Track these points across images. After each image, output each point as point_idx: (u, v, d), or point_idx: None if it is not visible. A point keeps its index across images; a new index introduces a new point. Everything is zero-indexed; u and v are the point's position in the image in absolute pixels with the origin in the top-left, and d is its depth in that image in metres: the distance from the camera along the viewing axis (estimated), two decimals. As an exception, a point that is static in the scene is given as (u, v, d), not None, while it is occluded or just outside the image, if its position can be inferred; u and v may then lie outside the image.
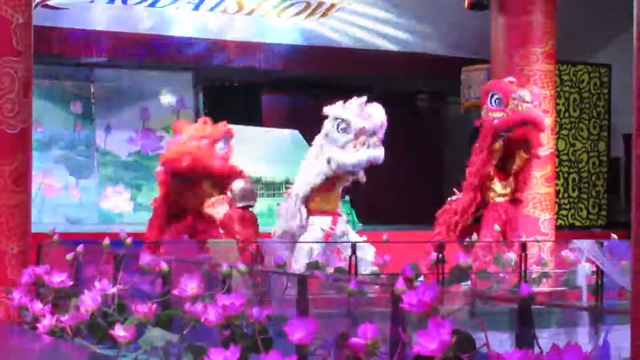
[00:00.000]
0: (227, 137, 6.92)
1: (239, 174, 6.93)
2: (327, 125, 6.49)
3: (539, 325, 2.82)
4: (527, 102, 6.98)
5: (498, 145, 7.06)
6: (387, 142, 6.69)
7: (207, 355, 3.07)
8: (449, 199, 7.39)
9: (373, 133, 6.41)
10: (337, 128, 6.41)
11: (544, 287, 5.98)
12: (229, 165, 6.91)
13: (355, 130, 6.36)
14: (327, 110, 6.51)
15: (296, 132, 12.68)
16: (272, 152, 11.57)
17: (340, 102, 6.53)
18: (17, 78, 5.97)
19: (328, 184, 6.59)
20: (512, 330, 2.83)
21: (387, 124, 6.56)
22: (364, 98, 6.48)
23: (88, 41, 11.62)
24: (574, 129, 11.77)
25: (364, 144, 6.38)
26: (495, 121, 6.98)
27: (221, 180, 6.89)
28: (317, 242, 6.39)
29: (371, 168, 6.63)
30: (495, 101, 7.03)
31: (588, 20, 12.52)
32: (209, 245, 6.21)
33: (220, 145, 6.80)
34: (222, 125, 6.97)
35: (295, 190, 6.65)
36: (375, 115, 6.44)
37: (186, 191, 6.90)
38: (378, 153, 6.44)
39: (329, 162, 6.47)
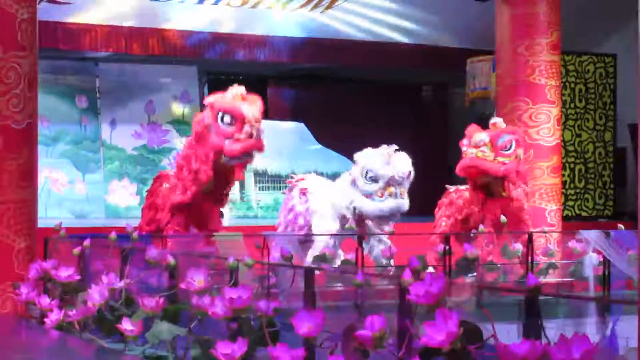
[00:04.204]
0: None
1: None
2: (355, 172, 6.51)
3: (547, 316, 2.82)
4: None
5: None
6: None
7: (215, 348, 3.07)
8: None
9: (400, 183, 6.44)
10: (366, 177, 6.44)
11: (551, 278, 5.98)
12: None
13: (384, 180, 6.39)
14: (356, 158, 6.55)
15: (301, 124, 12.67)
16: (278, 145, 11.55)
17: (367, 150, 6.54)
18: (22, 73, 5.97)
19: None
20: (519, 321, 2.83)
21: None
22: (393, 147, 6.50)
23: (93, 35, 11.62)
24: (580, 119, 11.75)
25: (390, 194, 6.41)
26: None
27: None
28: (325, 234, 6.40)
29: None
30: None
31: (593, 10, 12.49)
32: (216, 238, 6.21)
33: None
34: None
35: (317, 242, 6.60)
36: (402, 164, 6.48)
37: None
38: (403, 204, 6.45)
39: (351, 207, 6.49)
